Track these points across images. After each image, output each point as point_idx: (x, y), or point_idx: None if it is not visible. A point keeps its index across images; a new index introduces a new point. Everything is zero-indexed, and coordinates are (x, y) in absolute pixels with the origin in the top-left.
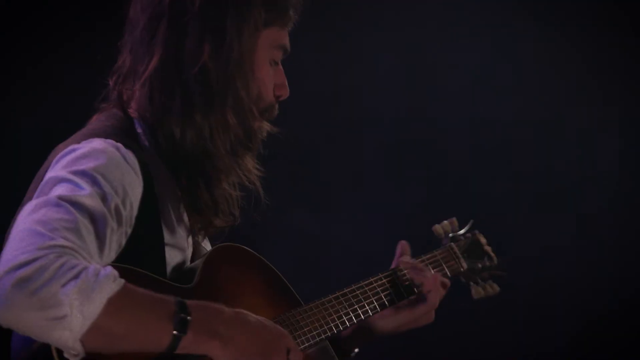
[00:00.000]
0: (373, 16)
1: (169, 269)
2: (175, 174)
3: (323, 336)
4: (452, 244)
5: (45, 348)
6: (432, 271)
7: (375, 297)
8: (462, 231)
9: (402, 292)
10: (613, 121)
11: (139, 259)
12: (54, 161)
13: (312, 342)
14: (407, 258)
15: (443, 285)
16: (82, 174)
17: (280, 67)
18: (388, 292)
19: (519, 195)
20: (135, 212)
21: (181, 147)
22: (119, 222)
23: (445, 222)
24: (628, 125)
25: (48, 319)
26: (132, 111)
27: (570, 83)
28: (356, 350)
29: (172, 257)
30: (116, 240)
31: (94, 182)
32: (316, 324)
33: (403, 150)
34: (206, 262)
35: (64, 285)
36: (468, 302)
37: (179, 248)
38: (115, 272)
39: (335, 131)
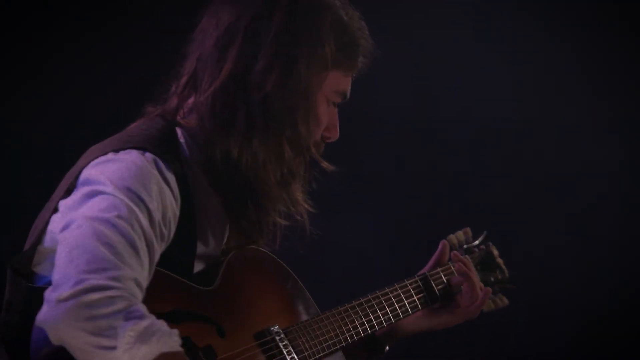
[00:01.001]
0: (374, 16)
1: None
2: (219, 189)
3: (338, 346)
4: (466, 256)
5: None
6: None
7: (402, 303)
8: (476, 242)
9: (437, 295)
10: (614, 120)
11: (166, 268)
12: (92, 164)
13: (327, 352)
14: (457, 253)
15: (485, 295)
16: (129, 191)
17: (335, 109)
18: (422, 294)
19: (519, 195)
20: (174, 228)
21: (235, 168)
22: (162, 240)
23: (460, 232)
24: (629, 124)
25: (97, 346)
26: (182, 119)
27: (570, 83)
28: (387, 347)
29: (201, 266)
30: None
31: (140, 200)
32: (332, 334)
33: (404, 150)
34: (228, 265)
35: (127, 320)
36: None
37: (211, 257)
38: (177, 333)
39: (341, 134)
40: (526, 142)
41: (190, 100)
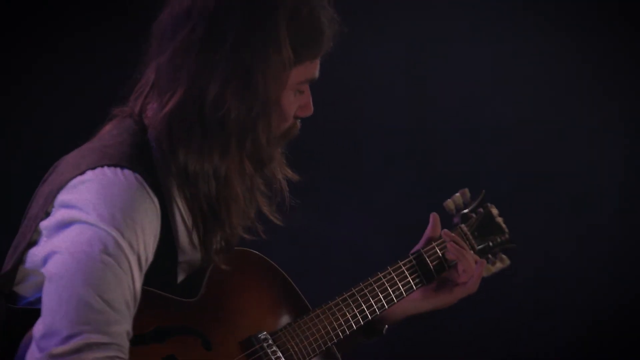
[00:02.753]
0: (373, 16)
1: (178, 282)
2: (188, 197)
3: (330, 344)
4: (462, 225)
5: None
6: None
7: (396, 286)
8: (473, 205)
9: (432, 271)
10: (618, 122)
11: (149, 282)
12: (70, 186)
13: (317, 352)
14: (447, 231)
15: (480, 267)
16: (112, 219)
17: (307, 88)
18: (416, 274)
19: (520, 195)
20: (154, 248)
21: (194, 183)
22: (145, 267)
23: (457, 195)
24: (633, 125)
25: None
26: (149, 124)
27: (573, 84)
28: (386, 326)
29: (184, 273)
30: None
31: (125, 229)
32: (322, 332)
33: (404, 151)
34: (213, 271)
35: None
36: (469, 302)
37: (192, 263)
38: None
39: (335, 132)
40: (528, 142)
41: (155, 105)
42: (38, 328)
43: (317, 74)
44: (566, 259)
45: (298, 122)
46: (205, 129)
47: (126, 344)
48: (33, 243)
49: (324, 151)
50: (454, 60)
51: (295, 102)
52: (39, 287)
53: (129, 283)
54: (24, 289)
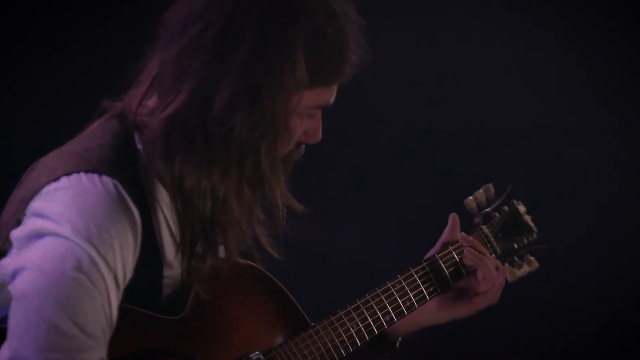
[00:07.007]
0: (377, 12)
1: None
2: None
3: None
4: (483, 227)
5: None
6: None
7: (407, 297)
8: (497, 203)
9: (448, 279)
10: (620, 122)
11: (131, 299)
12: (43, 194)
13: None
14: (464, 234)
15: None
16: (87, 232)
17: (319, 113)
18: (430, 282)
19: (523, 197)
20: (134, 263)
21: (189, 199)
22: (123, 285)
23: (480, 191)
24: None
25: None
26: (141, 123)
27: (574, 84)
28: (399, 339)
29: (170, 287)
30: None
31: (101, 244)
32: (322, 350)
33: (406, 152)
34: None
35: None
36: None
37: (178, 279)
38: None
39: (336, 132)
40: (533, 143)
41: (152, 102)
42: (3, 353)
43: (332, 100)
44: (566, 260)
45: (302, 147)
46: (207, 141)
47: None
48: (3, 253)
49: (323, 154)
50: (454, 61)
51: (302, 127)
52: (8, 304)
53: (104, 305)
54: None
